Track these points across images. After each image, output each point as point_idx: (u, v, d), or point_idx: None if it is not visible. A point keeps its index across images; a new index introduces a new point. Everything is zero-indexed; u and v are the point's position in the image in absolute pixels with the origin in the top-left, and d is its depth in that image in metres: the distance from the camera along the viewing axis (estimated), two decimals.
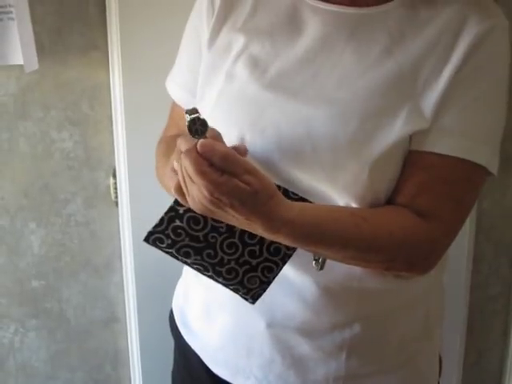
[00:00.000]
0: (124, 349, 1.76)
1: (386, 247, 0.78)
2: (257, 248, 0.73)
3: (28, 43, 1.36)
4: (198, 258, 0.70)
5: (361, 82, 0.80)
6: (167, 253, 0.70)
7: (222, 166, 0.63)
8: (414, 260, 0.81)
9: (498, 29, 0.80)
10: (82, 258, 1.70)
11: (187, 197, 0.66)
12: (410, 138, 0.80)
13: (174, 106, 1.01)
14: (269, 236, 0.70)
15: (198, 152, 0.62)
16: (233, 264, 0.72)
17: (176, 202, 0.70)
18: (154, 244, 0.69)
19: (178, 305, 1.04)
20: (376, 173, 0.79)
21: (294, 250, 0.76)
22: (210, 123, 0.67)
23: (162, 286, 1.29)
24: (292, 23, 0.85)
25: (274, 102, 0.81)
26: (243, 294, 0.76)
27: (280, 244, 0.74)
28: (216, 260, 0.71)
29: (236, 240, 0.71)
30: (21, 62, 1.33)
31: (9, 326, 1.69)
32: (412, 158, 0.80)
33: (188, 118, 0.63)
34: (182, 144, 0.66)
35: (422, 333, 0.95)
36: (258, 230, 0.69)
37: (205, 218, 0.69)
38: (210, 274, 0.73)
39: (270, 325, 0.87)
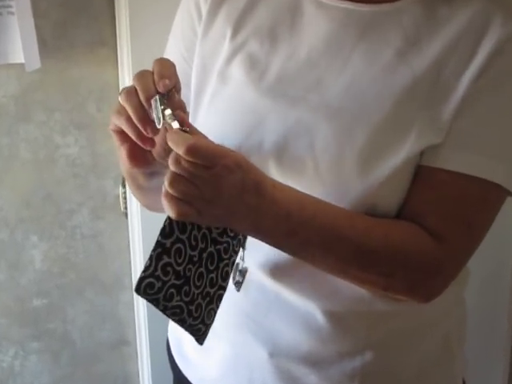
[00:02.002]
0: (134, 374, 1.76)
1: (382, 252, 0.75)
2: (214, 274, 0.74)
3: (29, 39, 1.32)
4: (178, 298, 0.70)
5: (371, 89, 0.77)
6: (152, 301, 0.68)
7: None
8: (416, 279, 0.77)
9: None
10: (88, 275, 1.68)
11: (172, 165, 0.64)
12: (421, 152, 0.77)
13: None
14: (249, 215, 0.68)
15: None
16: (199, 299, 0.72)
17: (162, 233, 0.68)
18: (144, 293, 0.67)
19: (173, 334, 1.01)
20: (383, 193, 0.76)
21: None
22: (203, 131, 0.68)
23: None
24: (294, 20, 0.82)
25: (274, 110, 0.78)
26: (202, 333, 0.76)
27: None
28: (189, 297, 0.71)
29: (203, 269, 0.72)
30: (22, 60, 1.31)
31: (8, 348, 1.66)
32: (422, 174, 0.77)
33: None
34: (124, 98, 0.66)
35: (443, 356, 0.91)
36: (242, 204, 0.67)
37: (184, 246, 0.70)
38: (182, 316, 0.72)
39: (273, 354, 0.84)
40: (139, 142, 0.67)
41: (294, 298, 0.82)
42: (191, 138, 0.61)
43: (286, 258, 0.76)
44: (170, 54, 0.90)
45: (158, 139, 0.68)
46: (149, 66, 1.37)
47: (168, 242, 0.68)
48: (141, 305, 1.64)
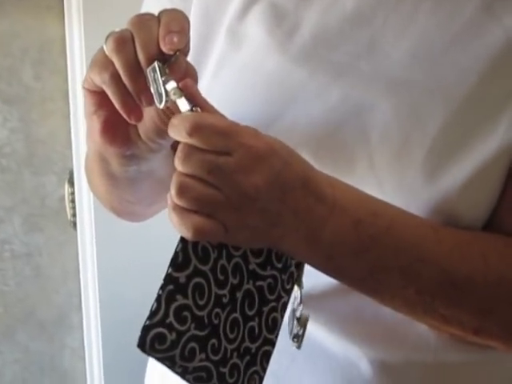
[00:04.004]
0: None
1: (479, 279, 0.68)
2: (256, 322, 0.68)
3: None
4: (203, 356, 0.63)
5: (446, 57, 0.70)
6: (165, 360, 0.62)
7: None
8: None
9: None
10: (21, 309, 1.56)
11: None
12: None
13: None
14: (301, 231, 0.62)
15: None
16: (235, 358, 0.66)
17: (174, 264, 0.62)
18: (152, 349, 0.61)
19: None
20: (465, 198, 0.69)
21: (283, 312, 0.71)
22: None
23: (142, 353, 1.07)
24: None
25: (309, 83, 0.72)
26: None
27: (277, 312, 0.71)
28: (220, 355, 0.65)
29: (238, 315, 0.66)
30: None
31: None
32: None
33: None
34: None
35: None
36: (288, 218, 0.61)
37: (208, 281, 0.63)
38: (212, 382, 0.66)
39: None
40: (123, 112, 0.61)
41: (330, 340, 0.76)
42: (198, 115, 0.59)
43: (323, 282, 0.71)
44: None
45: (148, 111, 0.63)
46: (107, 14, 1.39)
47: (182, 276, 0.63)
48: (95, 352, 1.55)
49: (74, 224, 1.50)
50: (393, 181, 0.71)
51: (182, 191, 0.58)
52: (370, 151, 0.71)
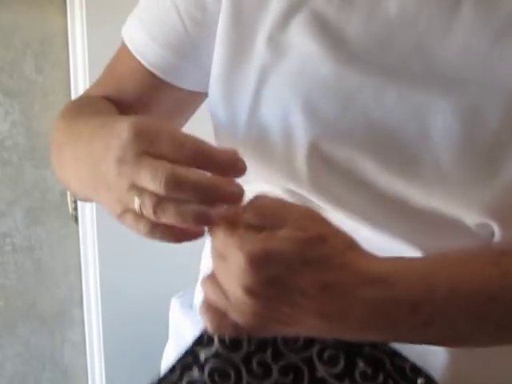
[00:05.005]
0: None
1: None
2: None
3: None
4: None
5: (495, 49, 0.69)
6: None
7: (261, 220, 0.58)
8: None
9: None
10: (21, 303, 1.55)
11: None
12: None
13: (123, 53, 0.84)
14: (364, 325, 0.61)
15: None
16: None
17: (198, 340, 0.63)
18: None
19: None
20: None
21: None
22: (252, 128, 0.70)
23: (143, 347, 1.22)
24: None
25: (364, 87, 0.72)
26: None
27: None
28: None
29: None
30: None
31: None
32: None
33: None
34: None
35: None
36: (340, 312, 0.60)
37: (236, 367, 0.63)
38: None
39: None
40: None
41: None
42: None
43: None
44: None
45: None
46: (109, 7, 1.39)
47: (203, 354, 0.63)
48: (96, 346, 1.55)
49: (76, 218, 1.51)
50: (458, 178, 0.71)
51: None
52: (434, 150, 0.71)
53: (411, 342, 0.67)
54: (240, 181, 0.58)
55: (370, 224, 0.72)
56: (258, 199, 0.58)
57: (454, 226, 0.72)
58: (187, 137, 0.55)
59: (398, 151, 0.71)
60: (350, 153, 0.72)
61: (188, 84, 0.81)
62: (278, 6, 0.75)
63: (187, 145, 0.55)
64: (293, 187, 0.69)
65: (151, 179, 0.54)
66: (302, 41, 0.74)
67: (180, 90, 0.80)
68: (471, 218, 0.72)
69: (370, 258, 0.62)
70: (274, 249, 0.56)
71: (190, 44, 0.80)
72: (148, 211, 0.55)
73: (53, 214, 1.53)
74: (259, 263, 0.55)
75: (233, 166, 0.57)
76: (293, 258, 0.56)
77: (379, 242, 0.71)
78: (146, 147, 0.55)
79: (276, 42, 0.75)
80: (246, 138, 0.70)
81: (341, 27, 0.74)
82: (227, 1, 0.77)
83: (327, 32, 0.74)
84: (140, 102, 0.77)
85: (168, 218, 0.56)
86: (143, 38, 0.83)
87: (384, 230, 0.72)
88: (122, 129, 0.58)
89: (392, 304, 0.62)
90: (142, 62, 0.81)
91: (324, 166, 0.71)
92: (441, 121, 0.70)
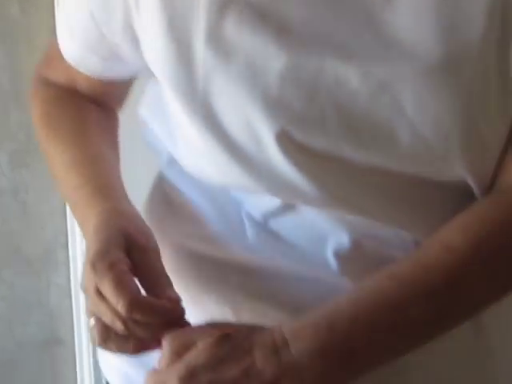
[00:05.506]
0: (70, 383, 1.68)
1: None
2: None
3: None
4: None
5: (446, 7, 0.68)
6: None
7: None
8: None
9: None
10: (6, 246, 1.57)
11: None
12: None
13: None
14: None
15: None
16: None
17: None
18: None
19: (119, 369, 0.86)
20: (486, 162, 0.71)
21: None
22: (214, 136, 0.68)
23: None
24: None
25: (323, 71, 0.69)
26: None
27: None
28: None
29: None
30: None
31: None
32: None
33: None
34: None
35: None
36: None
37: None
38: None
39: None
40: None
41: None
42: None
43: None
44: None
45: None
46: None
47: None
48: (81, 289, 1.48)
49: None
50: (439, 146, 0.71)
51: None
52: (409, 121, 0.71)
53: (361, 376, 0.68)
54: (223, 188, 0.70)
55: (356, 209, 0.73)
56: (170, 338, 0.62)
57: (437, 193, 0.74)
58: (127, 288, 0.59)
59: (374, 130, 0.71)
60: (324, 140, 0.71)
61: (129, 72, 0.81)
62: (208, 0, 0.72)
63: (123, 299, 0.59)
64: (274, 183, 0.70)
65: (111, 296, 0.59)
66: (243, 37, 0.71)
67: (126, 79, 0.81)
68: (452, 182, 0.74)
69: (272, 329, 0.65)
70: (194, 363, 0.61)
71: (112, 48, 0.77)
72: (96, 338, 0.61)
73: (38, 157, 1.46)
74: (189, 380, 0.61)
75: (170, 313, 0.63)
76: (211, 362, 0.62)
77: (369, 228, 0.74)
78: (97, 281, 0.60)
79: (216, 43, 0.72)
80: (212, 149, 0.69)
81: (282, 14, 0.71)
82: (157, 5, 0.73)
83: (268, 23, 0.71)
84: (94, 92, 0.78)
85: (110, 348, 0.62)
86: (73, 47, 0.81)
87: (370, 215, 0.74)
88: (87, 248, 0.67)
89: (306, 360, 0.64)
90: (74, 66, 0.82)
91: (301, 156, 0.71)
92: (410, 89, 0.70)
